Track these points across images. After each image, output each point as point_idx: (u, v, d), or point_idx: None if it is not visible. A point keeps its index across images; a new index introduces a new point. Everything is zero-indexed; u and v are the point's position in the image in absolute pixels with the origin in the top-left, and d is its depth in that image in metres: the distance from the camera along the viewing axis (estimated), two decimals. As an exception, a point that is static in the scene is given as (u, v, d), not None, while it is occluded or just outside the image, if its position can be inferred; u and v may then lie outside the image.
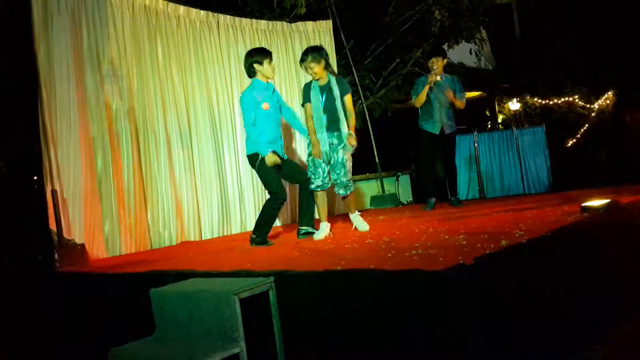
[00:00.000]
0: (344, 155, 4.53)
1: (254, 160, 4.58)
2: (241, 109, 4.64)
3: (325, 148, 4.53)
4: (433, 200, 6.14)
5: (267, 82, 4.64)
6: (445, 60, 6.04)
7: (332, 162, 4.55)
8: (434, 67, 5.86)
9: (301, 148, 7.13)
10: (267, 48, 6.65)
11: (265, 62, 4.56)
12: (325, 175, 4.56)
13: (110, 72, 5.12)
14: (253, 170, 6.36)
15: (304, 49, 7.12)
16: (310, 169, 4.56)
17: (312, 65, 4.52)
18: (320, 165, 4.53)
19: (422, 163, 6.30)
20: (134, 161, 5.39)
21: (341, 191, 4.55)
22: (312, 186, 4.55)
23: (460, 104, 5.97)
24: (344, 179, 4.52)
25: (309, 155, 4.57)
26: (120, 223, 5.21)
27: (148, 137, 5.58)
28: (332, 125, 4.52)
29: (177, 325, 2.65)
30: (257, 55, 4.60)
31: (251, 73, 4.61)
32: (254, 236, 4.55)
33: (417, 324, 2.33)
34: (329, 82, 4.57)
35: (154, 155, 5.60)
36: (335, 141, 4.54)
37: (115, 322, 3.52)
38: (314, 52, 4.56)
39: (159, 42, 5.80)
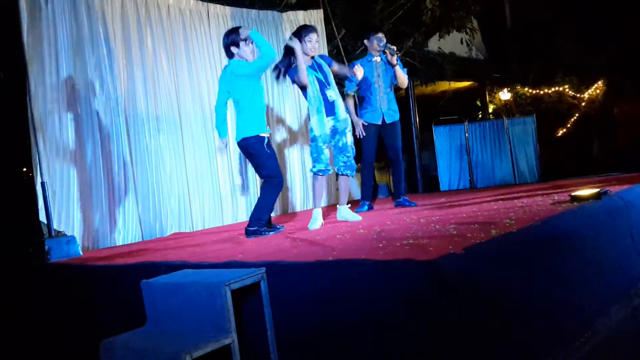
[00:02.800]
0: (351, 138, 4.65)
1: (259, 142, 4.37)
2: (253, 70, 4.34)
3: (326, 131, 4.49)
4: (367, 203, 5.68)
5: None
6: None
7: (340, 145, 4.58)
8: (383, 43, 5.24)
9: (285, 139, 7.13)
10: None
11: (242, 44, 4.42)
12: (328, 160, 4.55)
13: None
14: (245, 160, 6.35)
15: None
16: (313, 154, 4.51)
17: (316, 37, 4.53)
18: (323, 151, 4.51)
19: (366, 159, 5.64)
20: (124, 152, 5.37)
21: (348, 172, 4.64)
22: (314, 170, 4.53)
23: (403, 77, 5.35)
24: (352, 161, 4.64)
25: (314, 139, 4.49)
26: (110, 214, 5.19)
27: (138, 127, 5.55)
28: (336, 107, 4.53)
29: (169, 316, 2.66)
30: (232, 36, 4.44)
31: (229, 54, 4.49)
32: (254, 228, 4.37)
33: (407, 314, 2.35)
34: (314, 60, 4.56)
35: (144, 146, 5.58)
36: (341, 125, 4.57)
37: (106, 314, 3.52)
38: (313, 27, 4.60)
39: (148, 32, 5.76)
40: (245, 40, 4.41)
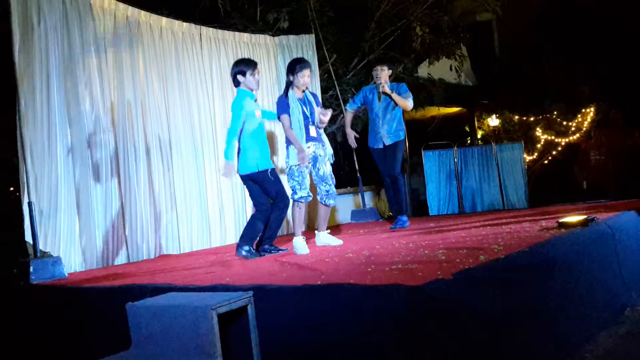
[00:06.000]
0: (330, 167, 4.68)
1: (261, 176, 4.47)
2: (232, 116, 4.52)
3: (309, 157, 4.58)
4: (399, 217, 5.94)
5: (252, 91, 4.60)
6: (390, 72, 5.82)
7: (321, 174, 4.61)
8: (379, 76, 5.64)
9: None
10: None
11: (248, 74, 4.52)
12: (309, 187, 4.56)
13: None
14: (234, 183, 6.35)
15: (286, 62, 7.19)
16: (296, 179, 4.48)
17: (309, 73, 4.58)
18: (306, 176, 4.55)
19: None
20: (113, 173, 5.34)
21: (331, 202, 4.68)
22: (296, 197, 4.50)
23: (402, 102, 5.63)
24: (334, 190, 4.69)
25: (292, 166, 4.49)
26: (97, 235, 5.14)
27: (127, 149, 5.52)
28: (318, 136, 4.62)
29: (154, 340, 2.62)
30: (240, 66, 4.56)
31: (236, 83, 4.59)
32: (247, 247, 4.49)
33: (396, 339, 2.33)
34: (305, 94, 4.65)
35: (133, 168, 5.55)
36: (322, 153, 4.63)
37: (91, 337, 3.47)
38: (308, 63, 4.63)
39: (140, 54, 5.77)
40: (252, 69, 4.52)
